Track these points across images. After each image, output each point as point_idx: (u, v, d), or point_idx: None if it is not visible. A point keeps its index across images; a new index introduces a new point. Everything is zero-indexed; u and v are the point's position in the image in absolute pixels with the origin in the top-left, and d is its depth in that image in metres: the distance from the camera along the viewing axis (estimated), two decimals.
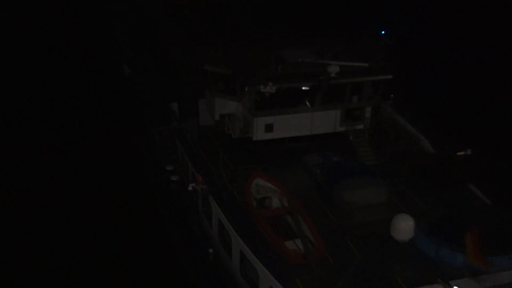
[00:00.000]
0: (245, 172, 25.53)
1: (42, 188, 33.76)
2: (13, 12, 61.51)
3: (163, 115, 31.30)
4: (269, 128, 28.41)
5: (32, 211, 31.35)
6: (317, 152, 27.70)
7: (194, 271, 27.32)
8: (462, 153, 26.49)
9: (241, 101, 28.75)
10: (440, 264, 21.21)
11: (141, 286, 27.63)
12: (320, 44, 30.88)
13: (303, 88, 29.20)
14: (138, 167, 34.54)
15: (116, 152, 36.44)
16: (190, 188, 25.42)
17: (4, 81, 46.30)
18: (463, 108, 42.65)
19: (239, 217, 23.24)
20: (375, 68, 29.49)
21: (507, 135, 39.89)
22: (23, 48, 52.66)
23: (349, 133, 29.24)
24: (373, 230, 22.80)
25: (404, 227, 22.00)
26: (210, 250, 24.64)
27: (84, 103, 41.34)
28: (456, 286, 20.18)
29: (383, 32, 31.09)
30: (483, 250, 21.16)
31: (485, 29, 60.53)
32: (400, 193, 24.78)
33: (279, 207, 23.87)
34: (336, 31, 31.93)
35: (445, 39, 55.49)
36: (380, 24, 30.89)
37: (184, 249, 28.66)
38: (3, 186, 32.84)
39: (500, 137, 38.88)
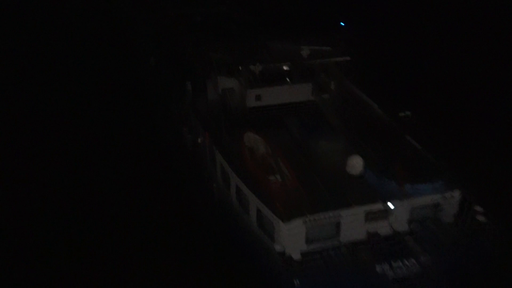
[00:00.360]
0: (241, 130, 28.45)
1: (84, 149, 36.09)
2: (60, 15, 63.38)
3: (180, 92, 34.25)
4: (258, 97, 31.58)
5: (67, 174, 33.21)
6: (295, 115, 30.95)
7: (203, 201, 30.69)
8: (403, 114, 29.56)
9: (238, 79, 32.02)
10: (381, 190, 24.45)
11: (165, 215, 30.21)
12: (296, 36, 33.80)
13: (284, 67, 32.13)
14: (161, 129, 37.70)
15: (145, 120, 39.75)
16: (199, 140, 29.83)
17: (46, 65, 49.02)
18: (405, 81, 45.95)
19: (235, 161, 26.40)
20: (337, 51, 33.05)
21: (436, 101, 42.69)
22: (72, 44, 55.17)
23: (319, 101, 31.98)
24: (334, 168, 25.81)
25: (356, 164, 25.43)
26: (214, 185, 28.59)
27: (121, 87, 44.92)
28: (390, 203, 23.61)
29: (342, 23, 34.23)
30: (409, 179, 24.55)
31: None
32: (355, 143, 27.47)
33: (264, 152, 26.73)
34: (309, 25, 35.26)
35: (391, 28, 59.54)
36: (340, 17, 34.58)
37: (196, 185, 31.84)
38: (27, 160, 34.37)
39: (431, 103, 41.70)
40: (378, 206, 23.71)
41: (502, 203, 28.11)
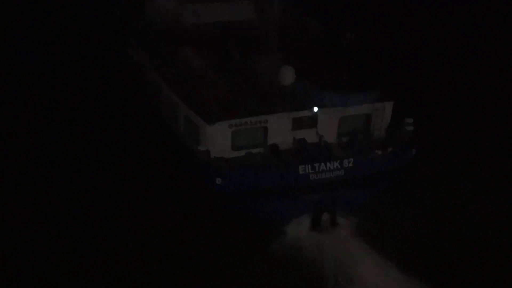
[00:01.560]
0: (178, 46, 29.36)
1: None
2: None
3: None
4: (195, 13, 31.60)
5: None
6: (234, 34, 30.78)
7: (138, 112, 31.12)
8: (349, 35, 28.69)
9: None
10: (308, 98, 24.51)
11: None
12: None
13: None
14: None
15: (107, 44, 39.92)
16: (134, 56, 31.10)
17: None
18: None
19: (168, 75, 27.13)
20: None
21: (379, 25, 44.39)
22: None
23: (260, 21, 31.64)
24: (267, 81, 25.67)
25: (287, 73, 24.86)
26: (145, 97, 30.20)
27: (93, 30, 44.85)
28: (315, 108, 23.84)
29: None
30: (339, 90, 24.13)
31: None
32: (292, 60, 26.01)
33: (198, 66, 27.51)
34: None
35: None
36: None
37: (132, 97, 32.17)
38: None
39: (374, 27, 43.19)
40: (304, 112, 23.95)
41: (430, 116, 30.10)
